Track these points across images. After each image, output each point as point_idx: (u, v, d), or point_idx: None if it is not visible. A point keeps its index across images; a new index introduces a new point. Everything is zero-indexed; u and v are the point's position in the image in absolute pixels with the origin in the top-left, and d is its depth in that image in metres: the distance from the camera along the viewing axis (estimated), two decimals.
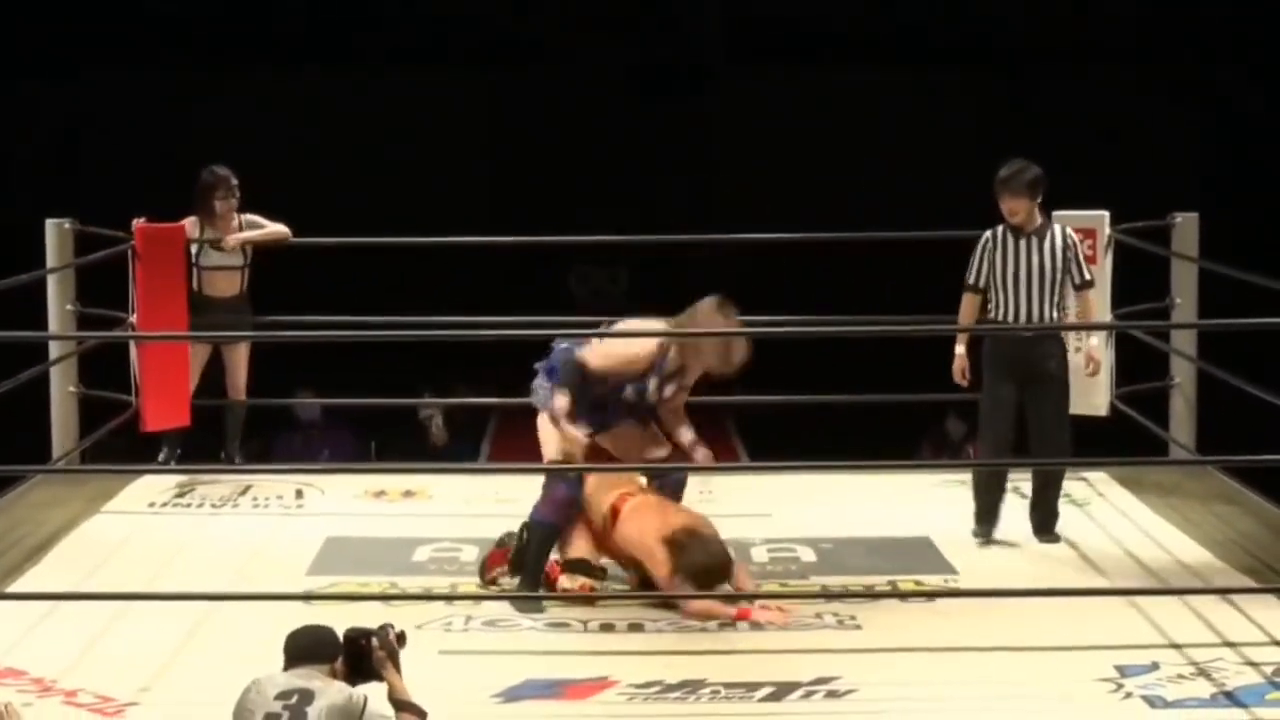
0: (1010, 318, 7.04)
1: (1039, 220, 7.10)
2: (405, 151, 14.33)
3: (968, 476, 7.88)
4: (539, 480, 6.54)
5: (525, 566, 6.40)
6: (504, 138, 14.75)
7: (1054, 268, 7.02)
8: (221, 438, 8.55)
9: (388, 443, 11.33)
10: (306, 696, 4.52)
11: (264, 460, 10.24)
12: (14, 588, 6.53)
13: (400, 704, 4.75)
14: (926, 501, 7.86)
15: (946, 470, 8.31)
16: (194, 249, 8.36)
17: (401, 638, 4.83)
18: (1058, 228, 7.13)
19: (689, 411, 6.57)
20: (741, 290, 6.49)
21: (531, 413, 6.48)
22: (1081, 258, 7.10)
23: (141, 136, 13.89)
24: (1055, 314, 7.06)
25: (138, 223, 8.24)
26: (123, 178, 12.73)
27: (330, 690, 4.55)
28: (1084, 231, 7.99)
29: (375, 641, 4.77)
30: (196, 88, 14.04)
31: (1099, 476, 8.17)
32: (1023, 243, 7.04)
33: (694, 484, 6.96)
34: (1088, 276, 7.11)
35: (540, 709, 5.35)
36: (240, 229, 8.38)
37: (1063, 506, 7.63)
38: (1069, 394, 7.17)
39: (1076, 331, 8.02)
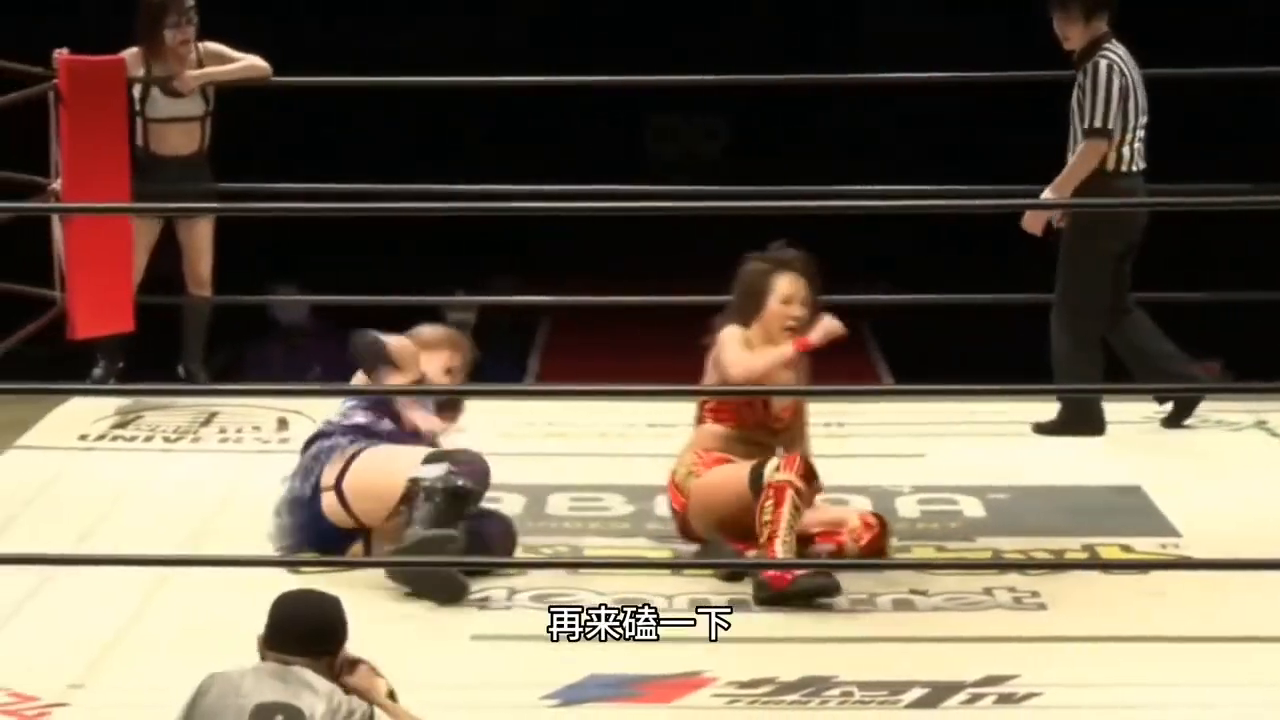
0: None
1: (1089, 45, 7.78)
2: None
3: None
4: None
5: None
6: None
7: (1077, 105, 7.81)
8: (177, 348, 8.59)
9: None
10: (293, 715, 4.47)
11: (234, 378, 10.29)
12: None
13: None
14: (1137, 438, 7.87)
15: (1158, 395, 8.22)
16: (137, 93, 8.39)
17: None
18: (1107, 54, 7.74)
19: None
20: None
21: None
22: (1095, 97, 7.69)
23: None
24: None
25: (61, 54, 8.22)
26: None
27: (322, 706, 4.50)
28: None
29: (342, 660, 4.69)
30: None
31: None
32: (1078, 76, 7.83)
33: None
34: (1090, 124, 7.71)
35: (608, 714, 5.36)
36: (200, 64, 8.39)
37: None
38: (1074, 247, 7.82)
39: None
